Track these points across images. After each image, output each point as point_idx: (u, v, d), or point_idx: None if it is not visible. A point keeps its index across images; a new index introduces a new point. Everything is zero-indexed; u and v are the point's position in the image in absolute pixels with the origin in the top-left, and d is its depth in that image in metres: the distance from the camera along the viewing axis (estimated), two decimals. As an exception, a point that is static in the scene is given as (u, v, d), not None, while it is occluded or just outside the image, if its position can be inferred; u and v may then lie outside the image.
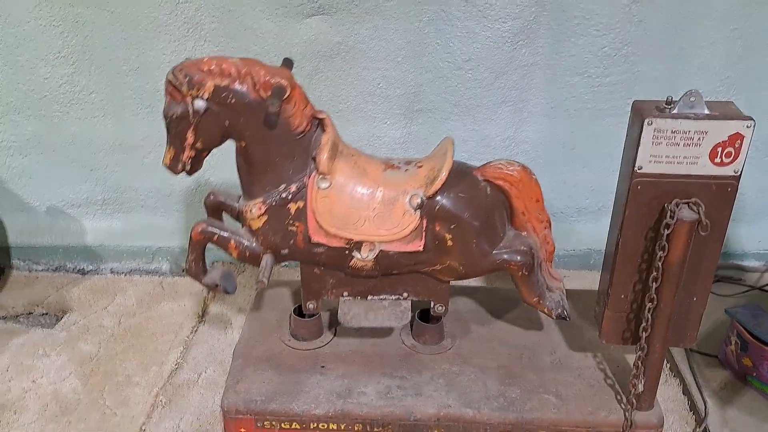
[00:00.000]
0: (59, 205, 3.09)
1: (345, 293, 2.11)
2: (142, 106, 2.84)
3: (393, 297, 2.11)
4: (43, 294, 2.97)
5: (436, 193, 1.90)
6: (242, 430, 2.01)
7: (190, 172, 1.92)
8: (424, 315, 2.20)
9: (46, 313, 2.88)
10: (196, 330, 2.77)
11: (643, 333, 1.86)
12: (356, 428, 2.00)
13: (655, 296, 1.80)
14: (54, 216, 3.11)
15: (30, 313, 2.88)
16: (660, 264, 1.77)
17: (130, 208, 3.10)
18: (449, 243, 1.95)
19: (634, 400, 1.95)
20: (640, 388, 1.94)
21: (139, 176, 3.01)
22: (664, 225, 1.74)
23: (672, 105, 1.71)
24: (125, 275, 3.12)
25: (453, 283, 2.09)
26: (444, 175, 1.89)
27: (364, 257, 1.95)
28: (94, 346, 2.66)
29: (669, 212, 1.73)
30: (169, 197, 3.06)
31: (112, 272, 3.14)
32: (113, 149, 2.95)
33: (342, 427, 2.00)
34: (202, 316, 2.85)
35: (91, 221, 3.13)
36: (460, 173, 1.95)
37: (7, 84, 2.81)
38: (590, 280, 3.05)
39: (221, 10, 2.65)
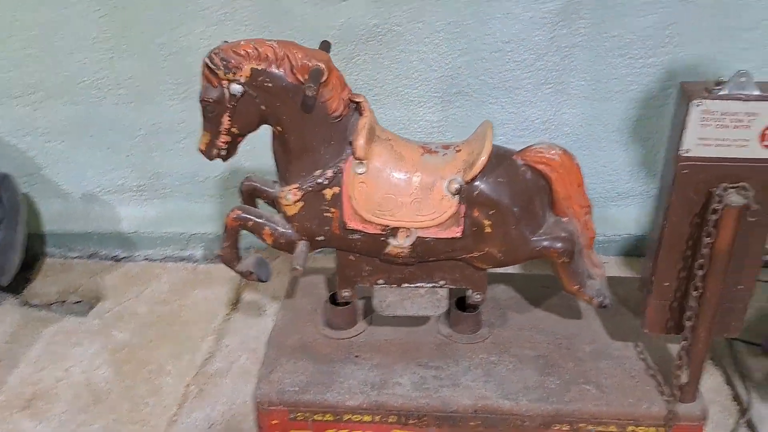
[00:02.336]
0: (94, 191, 3.09)
1: (380, 281, 2.06)
2: (178, 91, 2.82)
3: (429, 285, 2.06)
4: (77, 281, 2.98)
5: (475, 178, 1.85)
6: (275, 421, 1.99)
7: (225, 158, 1.90)
8: (460, 303, 2.16)
9: (80, 301, 2.88)
10: (230, 318, 2.75)
11: (688, 322, 1.80)
12: (391, 420, 1.96)
13: (701, 284, 1.74)
14: (89, 202, 3.12)
15: (63, 301, 2.88)
16: (707, 251, 1.70)
17: (164, 195, 3.10)
18: (488, 229, 1.90)
19: (678, 392, 1.89)
20: (684, 379, 1.88)
21: (174, 162, 3.00)
22: (711, 210, 1.68)
23: (721, 86, 1.64)
24: (159, 262, 3.12)
25: (490, 270, 2.05)
26: (483, 159, 1.84)
27: (400, 244, 1.91)
28: (127, 334, 2.66)
29: (717, 197, 1.67)
30: (204, 183, 3.05)
31: (145, 259, 3.13)
32: (149, 135, 2.94)
33: (377, 419, 1.96)
34: (236, 303, 2.83)
35: (125, 208, 3.13)
36: (500, 157, 1.90)
37: (45, 70, 2.81)
38: (628, 268, 2.99)
39: (258, -6, 2.63)
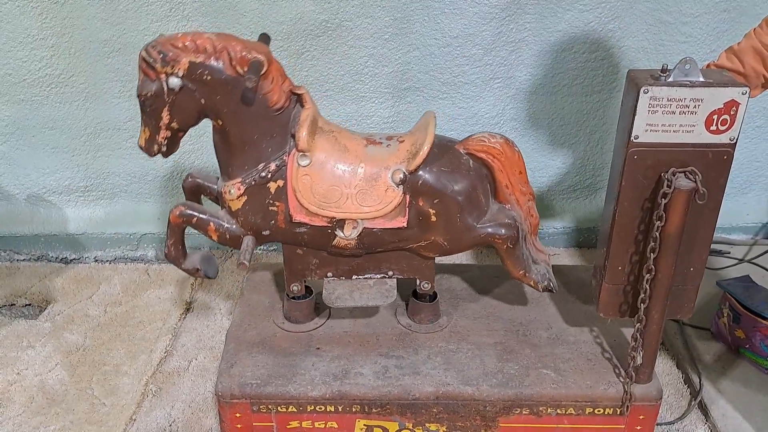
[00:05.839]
0: (40, 192, 3.02)
1: (329, 273, 2.07)
2: (125, 88, 2.78)
3: (378, 275, 2.09)
4: (25, 284, 2.91)
5: (418, 168, 1.88)
6: (237, 414, 1.98)
7: (166, 154, 1.87)
8: (418, 294, 2.18)
9: (29, 304, 2.82)
10: (185, 317, 2.72)
11: (642, 304, 1.85)
12: (354, 409, 1.97)
13: (653, 267, 1.79)
14: (35, 204, 3.04)
15: (12, 305, 2.82)
16: (658, 234, 1.75)
17: (113, 195, 3.05)
18: (433, 218, 1.92)
19: (633, 373, 1.94)
20: (639, 360, 1.93)
21: (122, 161, 2.95)
22: (661, 194, 1.72)
23: (667, 73, 1.69)
24: (110, 263, 3.07)
25: (445, 260, 2.07)
26: (426, 149, 1.87)
27: (347, 235, 1.92)
28: (80, 336, 2.61)
29: (666, 181, 1.72)
30: (153, 182, 3.01)
31: (96, 261, 3.08)
32: (95, 134, 2.89)
33: (340, 409, 1.97)
34: (190, 302, 2.80)
35: (73, 209, 3.07)
36: (443, 147, 1.93)
37: (-17, 69, 2.74)
38: (580, 258, 3.06)
39: (204, -11, 2.60)
